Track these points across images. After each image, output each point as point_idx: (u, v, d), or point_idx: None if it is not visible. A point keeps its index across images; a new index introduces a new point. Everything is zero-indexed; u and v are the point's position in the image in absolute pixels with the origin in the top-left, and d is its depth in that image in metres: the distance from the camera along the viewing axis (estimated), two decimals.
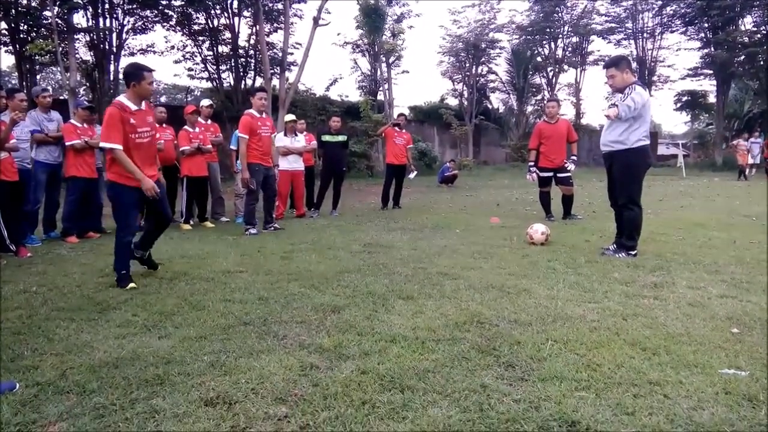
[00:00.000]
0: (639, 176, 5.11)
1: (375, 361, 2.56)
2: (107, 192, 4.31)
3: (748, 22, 26.43)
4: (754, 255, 5.08)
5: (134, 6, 19.21)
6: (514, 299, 3.63)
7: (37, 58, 19.08)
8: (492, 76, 30.60)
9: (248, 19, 21.95)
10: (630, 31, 29.73)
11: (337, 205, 9.34)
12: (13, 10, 17.80)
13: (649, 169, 5.26)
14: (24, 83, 18.29)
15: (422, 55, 79.55)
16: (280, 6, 21.03)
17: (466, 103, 29.01)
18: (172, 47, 22.26)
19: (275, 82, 19.58)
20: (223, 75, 22.45)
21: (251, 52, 22.30)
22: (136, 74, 4.12)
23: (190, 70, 22.66)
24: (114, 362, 2.59)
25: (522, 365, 2.52)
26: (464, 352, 2.68)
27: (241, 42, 22.01)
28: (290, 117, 8.87)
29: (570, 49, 30.91)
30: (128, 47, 20.44)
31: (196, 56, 22.33)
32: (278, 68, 20.22)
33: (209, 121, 8.36)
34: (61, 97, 17.47)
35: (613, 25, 29.70)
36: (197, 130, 7.82)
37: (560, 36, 30.24)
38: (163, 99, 30.36)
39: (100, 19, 18.72)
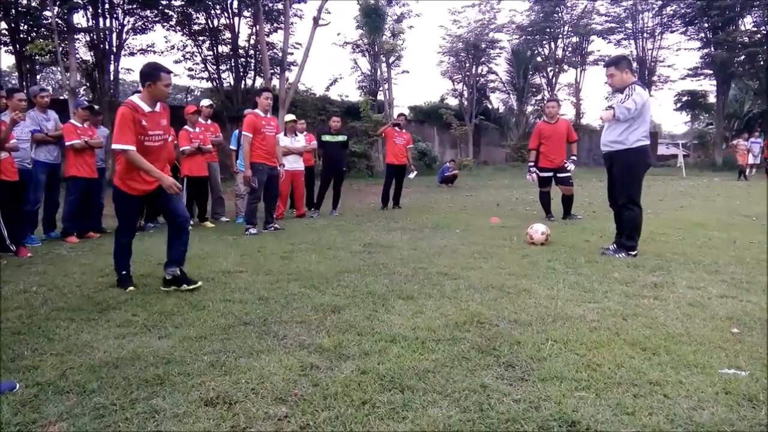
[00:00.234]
0: (639, 176, 5.11)
1: (375, 361, 2.56)
2: (113, 193, 4.16)
3: (748, 22, 26.48)
4: (754, 255, 5.08)
5: (134, 6, 19.22)
6: (514, 299, 3.63)
7: (37, 58, 19.09)
8: (492, 76, 30.66)
9: (248, 19, 21.98)
10: (630, 31, 29.75)
11: (337, 205, 9.34)
12: (13, 10, 17.81)
13: (649, 169, 5.26)
14: (24, 83, 18.30)
15: (422, 55, 79.66)
16: (280, 6, 21.04)
17: (466, 103, 29.02)
18: (172, 47, 22.30)
19: (275, 82, 19.58)
20: (223, 75, 22.50)
21: (251, 52, 22.32)
22: (153, 74, 3.93)
23: (190, 70, 22.71)
24: (114, 362, 2.59)
25: (522, 365, 2.52)
26: (464, 352, 2.68)
27: (241, 42, 22.07)
28: (290, 117, 8.88)
29: (570, 49, 30.93)
30: (128, 47, 20.47)
31: (196, 56, 22.38)
32: (278, 68, 20.22)
33: (209, 121, 8.37)
34: (61, 97, 17.48)
35: (613, 25, 29.72)
36: (197, 130, 7.82)
37: (560, 36, 30.26)
38: None
39: (100, 19, 18.73)
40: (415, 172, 11.75)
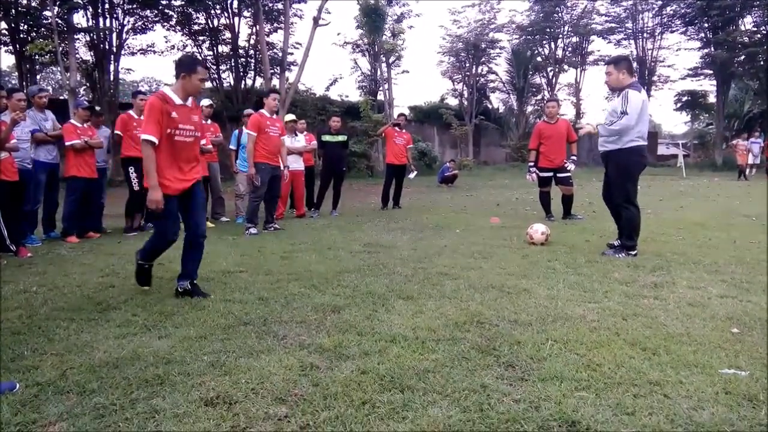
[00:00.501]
0: (633, 176, 5.14)
1: (375, 361, 2.56)
2: (147, 198, 3.77)
3: (748, 22, 26.50)
4: (754, 255, 5.08)
5: (134, 6, 19.23)
6: (514, 299, 3.63)
7: (37, 58, 19.09)
8: (492, 76, 30.69)
9: (248, 19, 21.98)
10: (630, 31, 29.78)
11: (337, 205, 9.34)
12: (13, 10, 17.82)
13: (644, 169, 5.29)
14: (24, 83, 18.31)
15: (422, 55, 79.63)
16: (280, 6, 21.04)
17: (466, 103, 29.03)
18: (172, 47, 22.32)
19: (275, 82, 19.58)
20: (223, 75, 22.50)
21: (251, 52, 22.32)
22: (190, 66, 3.70)
23: None
24: (114, 362, 2.59)
25: (522, 365, 2.52)
26: (464, 352, 2.68)
27: (241, 42, 22.08)
28: (290, 117, 8.89)
29: (570, 49, 30.95)
30: (128, 47, 20.49)
31: (196, 56, 22.33)
32: (278, 68, 20.23)
33: (209, 121, 8.36)
34: (61, 97, 17.49)
35: (613, 25, 29.74)
36: None
37: (560, 36, 30.27)
38: None
39: (100, 19, 18.74)
40: (415, 172, 11.76)
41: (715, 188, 14.47)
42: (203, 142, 7.51)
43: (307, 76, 70.25)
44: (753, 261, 4.82)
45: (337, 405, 2.13)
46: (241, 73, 22.20)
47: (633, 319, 3.19)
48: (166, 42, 47.80)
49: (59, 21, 16.75)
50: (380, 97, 24.88)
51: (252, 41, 22.06)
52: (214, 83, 22.22)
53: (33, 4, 18.04)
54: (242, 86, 22.01)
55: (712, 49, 26.77)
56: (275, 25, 22.09)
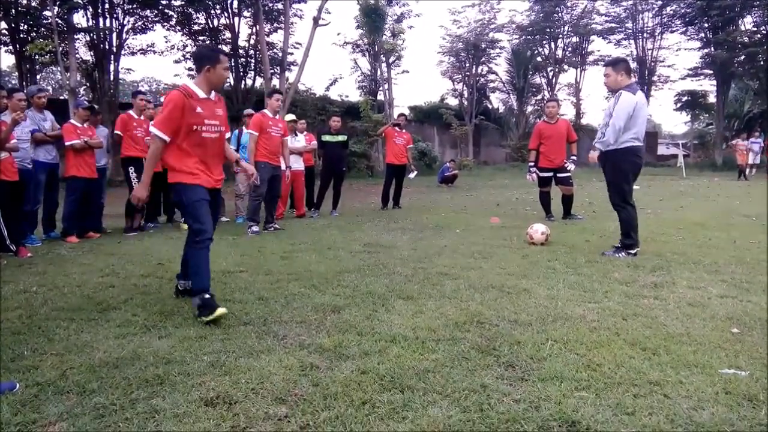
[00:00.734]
0: (627, 176, 5.18)
1: (375, 361, 2.56)
2: (173, 197, 3.63)
3: (748, 22, 26.51)
4: (754, 255, 5.08)
5: (134, 6, 19.24)
6: (514, 299, 3.63)
7: (37, 58, 19.10)
8: (492, 76, 30.70)
9: (248, 19, 21.99)
10: (630, 31, 29.77)
11: (337, 205, 9.34)
12: (13, 10, 17.82)
13: (640, 169, 5.33)
14: (24, 83, 18.32)
15: (422, 55, 79.69)
16: (280, 6, 21.05)
17: (466, 103, 29.04)
18: (172, 47, 22.33)
19: (275, 82, 19.59)
20: None
21: (251, 52, 22.32)
22: (212, 56, 3.46)
23: (190, 70, 22.65)
24: (114, 362, 2.58)
25: (522, 365, 2.52)
26: (464, 352, 2.68)
27: (241, 42, 22.10)
28: (290, 117, 8.89)
29: (570, 49, 30.94)
30: (128, 47, 20.50)
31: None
32: (278, 68, 20.23)
33: None
34: (61, 97, 17.49)
35: (613, 25, 29.73)
36: None
37: (560, 36, 30.27)
38: (163, 99, 30.39)
39: (100, 19, 18.74)
40: (416, 172, 11.75)
41: (715, 188, 14.47)
42: None
43: (307, 76, 70.31)
44: (753, 261, 4.82)
45: (337, 405, 2.13)
46: (241, 73, 22.20)
47: (633, 319, 3.19)
48: (166, 42, 47.96)
49: (59, 21, 16.76)
50: (380, 97, 24.90)
51: (252, 41, 22.07)
52: None
53: (33, 4, 18.06)
54: (242, 86, 22.01)
55: (712, 49, 26.77)
56: (275, 25, 22.10)
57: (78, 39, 18.35)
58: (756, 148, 19.09)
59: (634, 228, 5.16)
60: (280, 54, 20.52)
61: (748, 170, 18.72)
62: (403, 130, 10.11)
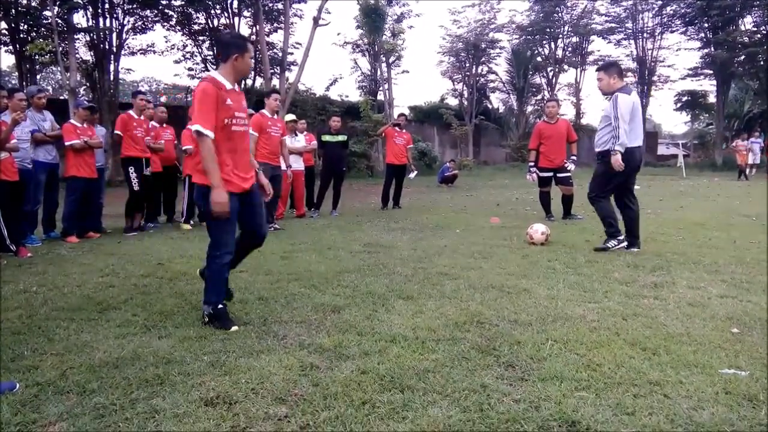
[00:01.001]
0: (618, 175, 5.26)
1: (375, 361, 2.56)
2: (195, 197, 3.40)
3: (748, 22, 26.50)
4: (754, 255, 5.08)
5: (134, 6, 19.23)
6: (514, 299, 3.63)
7: (37, 58, 19.10)
8: (492, 76, 30.69)
9: (248, 19, 21.99)
10: (630, 31, 29.75)
11: (337, 205, 9.34)
12: (13, 10, 17.82)
13: (636, 170, 5.43)
14: (24, 83, 18.32)
15: (422, 55, 79.66)
16: (280, 6, 21.05)
17: (466, 103, 29.04)
18: (172, 47, 22.32)
19: (275, 82, 19.59)
20: None
21: None
22: (240, 44, 3.22)
23: (190, 69, 22.72)
24: (114, 362, 2.58)
25: (522, 365, 2.52)
26: (464, 352, 2.68)
27: None
28: (290, 117, 8.90)
29: (570, 49, 30.93)
30: (128, 47, 20.49)
31: (196, 56, 22.38)
32: (278, 68, 20.23)
33: None
34: (61, 97, 17.49)
35: (613, 25, 29.72)
36: None
37: (560, 36, 30.26)
38: (163, 99, 30.42)
39: (100, 19, 18.74)
40: (416, 172, 11.76)
41: (715, 188, 14.47)
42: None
43: (307, 76, 70.32)
44: (753, 261, 4.82)
45: (337, 405, 2.13)
46: None
47: (633, 319, 3.19)
48: (166, 42, 47.96)
49: (59, 21, 16.75)
50: (380, 97, 24.89)
51: (252, 41, 22.06)
52: None
53: (33, 4, 18.05)
54: (242, 86, 22.01)
55: (712, 49, 26.77)
56: (275, 25, 22.10)
57: (78, 39, 18.35)
58: (756, 148, 19.09)
59: (612, 215, 5.40)
60: (280, 54, 20.52)
61: (748, 170, 18.71)
62: (403, 130, 10.11)
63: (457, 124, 26.23)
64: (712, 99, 30.21)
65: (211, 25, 21.67)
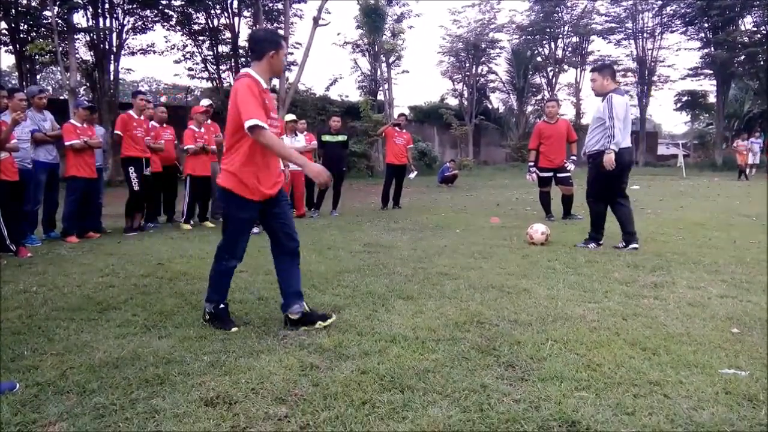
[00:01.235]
0: (610, 176, 5.33)
1: (375, 361, 2.56)
2: (218, 197, 3.27)
3: (748, 22, 26.51)
4: (754, 255, 5.08)
5: (134, 6, 19.23)
6: (514, 299, 3.63)
7: (37, 58, 19.10)
8: (492, 76, 30.72)
9: (248, 19, 21.98)
10: (630, 31, 29.78)
11: (337, 205, 9.34)
12: (13, 10, 17.82)
13: (628, 170, 5.53)
14: (24, 83, 18.32)
15: (422, 55, 79.67)
16: (280, 6, 21.06)
17: (466, 103, 29.05)
18: (172, 47, 22.30)
19: (275, 81, 19.58)
20: (223, 75, 22.49)
21: None
22: (276, 41, 3.09)
23: (190, 69, 22.71)
24: (114, 362, 2.58)
25: (522, 365, 2.52)
26: (464, 352, 2.68)
27: (241, 42, 22.04)
28: (290, 117, 8.89)
29: (570, 49, 30.96)
30: (128, 47, 20.49)
31: (196, 56, 22.38)
32: None
33: (209, 121, 8.36)
34: (61, 97, 17.49)
35: (613, 25, 29.76)
36: (202, 129, 7.85)
37: (560, 36, 30.28)
38: (163, 99, 30.43)
39: (100, 19, 18.74)
40: (416, 172, 11.76)
41: (715, 188, 14.47)
42: (204, 144, 7.62)
43: (307, 76, 70.25)
44: (753, 261, 4.82)
45: (337, 405, 2.13)
46: None
47: (633, 319, 3.19)
48: (166, 42, 47.95)
49: (59, 21, 16.75)
50: (380, 97, 24.90)
51: None
52: (214, 83, 22.23)
53: (33, 4, 18.05)
54: None
55: (712, 49, 26.78)
56: (275, 25, 22.08)
57: (78, 39, 18.34)
58: (756, 148, 19.09)
59: (600, 219, 5.56)
60: None
61: (748, 170, 18.71)
62: (403, 130, 10.10)
63: (457, 124, 26.24)
64: (712, 99, 30.24)
65: (211, 25, 21.68)
